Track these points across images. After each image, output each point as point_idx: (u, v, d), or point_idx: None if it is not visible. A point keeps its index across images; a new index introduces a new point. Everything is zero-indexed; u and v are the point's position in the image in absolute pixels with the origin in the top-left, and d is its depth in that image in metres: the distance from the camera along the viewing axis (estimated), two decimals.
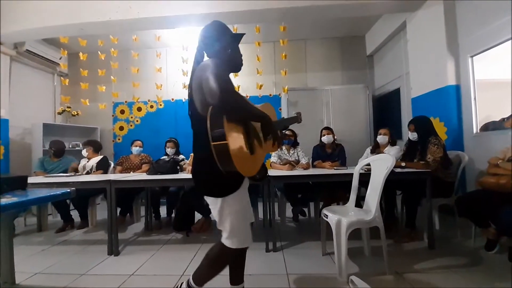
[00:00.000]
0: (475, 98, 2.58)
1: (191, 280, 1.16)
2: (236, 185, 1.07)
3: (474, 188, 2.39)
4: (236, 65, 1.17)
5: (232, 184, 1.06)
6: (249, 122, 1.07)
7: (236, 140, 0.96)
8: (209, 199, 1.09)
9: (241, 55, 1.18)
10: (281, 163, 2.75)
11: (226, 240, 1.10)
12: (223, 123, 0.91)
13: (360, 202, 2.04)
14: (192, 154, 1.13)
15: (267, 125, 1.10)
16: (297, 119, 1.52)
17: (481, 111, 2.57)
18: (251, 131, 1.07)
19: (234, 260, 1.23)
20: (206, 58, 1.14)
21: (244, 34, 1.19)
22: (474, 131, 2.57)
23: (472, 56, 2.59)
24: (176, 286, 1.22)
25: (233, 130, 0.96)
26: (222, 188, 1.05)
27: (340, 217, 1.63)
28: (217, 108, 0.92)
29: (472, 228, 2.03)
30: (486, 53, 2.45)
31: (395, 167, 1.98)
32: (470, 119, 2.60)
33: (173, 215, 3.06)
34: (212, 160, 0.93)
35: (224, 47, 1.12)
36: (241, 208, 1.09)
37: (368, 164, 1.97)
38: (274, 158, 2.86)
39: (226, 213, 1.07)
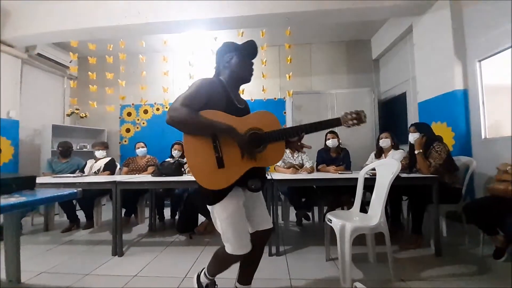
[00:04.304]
0: (483, 103, 2.54)
1: (205, 269, 1.34)
2: (221, 194, 1.09)
3: (483, 195, 2.34)
4: (242, 77, 1.23)
5: (217, 194, 1.10)
6: (218, 137, 1.08)
7: (197, 156, 1.06)
8: (208, 206, 1.18)
9: (248, 68, 1.23)
10: (285, 167, 2.75)
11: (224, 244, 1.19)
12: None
13: (365, 207, 2.02)
14: None
15: (229, 136, 1.07)
16: (339, 121, 1.20)
17: (490, 116, 2.53)
18: (219, 146, 1.07)
19: (243, 261, 1.27)
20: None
21: (250, 42, 1.22)
22: (483, 136, 2.52)
23: (480, 61, 2.56)
24: (197, 275, 1.38)
25: (198, 146, 1.06)
26: (211, 197, 1.12)
27: (344, 222, 1.62)
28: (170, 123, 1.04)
29: (480, 236, 1.98)
30: (495, 57, 2.41)
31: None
32: (478, 124, 2.56)
33: (177, 217, 3.07)
34: None
35: (225, 65, 1.22)
36: (227, 216, 1.11)
37: (374, 169, 1.95)
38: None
39: (217, 220, 1.16)
